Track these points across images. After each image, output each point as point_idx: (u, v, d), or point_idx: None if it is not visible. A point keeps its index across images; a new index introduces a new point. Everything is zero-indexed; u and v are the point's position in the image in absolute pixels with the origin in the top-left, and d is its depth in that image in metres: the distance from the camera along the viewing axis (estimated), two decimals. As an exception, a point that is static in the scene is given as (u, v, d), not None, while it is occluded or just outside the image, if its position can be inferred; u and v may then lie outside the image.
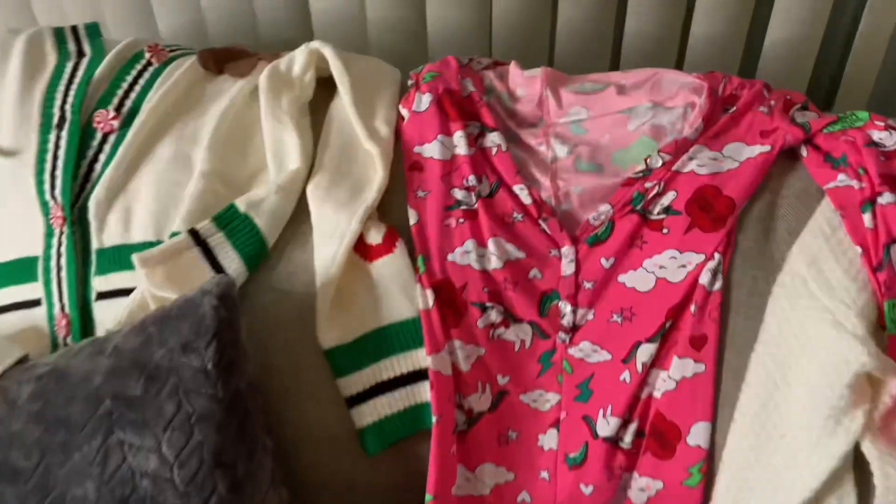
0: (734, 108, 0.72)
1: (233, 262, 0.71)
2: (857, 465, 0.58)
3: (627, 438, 0.68)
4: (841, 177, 0.64)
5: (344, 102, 0.78)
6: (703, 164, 0.69)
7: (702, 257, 0.66)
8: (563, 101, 0.78)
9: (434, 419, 0.67)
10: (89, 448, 0.59)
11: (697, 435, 0.66)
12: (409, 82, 0.81)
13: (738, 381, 0.64)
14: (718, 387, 0.66)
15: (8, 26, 1.12)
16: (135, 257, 0.68)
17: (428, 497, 0.66)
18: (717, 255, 0.66)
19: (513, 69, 0.81)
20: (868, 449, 0.56)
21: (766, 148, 0.68)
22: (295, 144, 0.75)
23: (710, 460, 0.65)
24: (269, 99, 0.78)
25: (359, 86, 0.79)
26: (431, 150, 0.74)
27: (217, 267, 0.71)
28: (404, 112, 0.78)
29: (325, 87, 0.82)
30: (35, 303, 0.77)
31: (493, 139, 0.74)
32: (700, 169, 0.69)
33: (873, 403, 0.58)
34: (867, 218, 0.61)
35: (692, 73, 0.75)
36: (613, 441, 0.67)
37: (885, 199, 0.61)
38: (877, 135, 0.65)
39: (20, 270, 0.77)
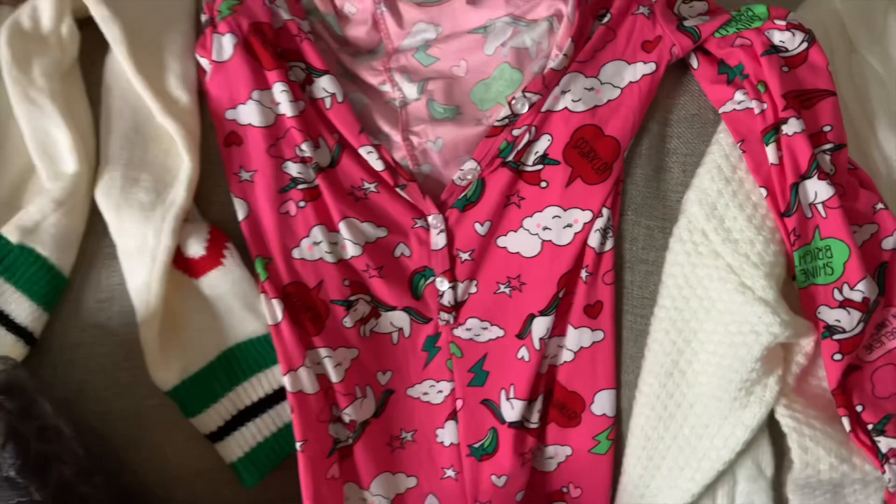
0: (609, 14, 0.57)
1: (22, 308, 0.56)
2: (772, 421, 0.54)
3: (534, 418, 0.61)
4: (738, 95, 0.54)
5: (121, 62, 0.59)
6: (578, 97, 0.56)
7: (588, 215, 0.56)
8: (404, 17, 0.61)
9: (298, 446, 0.58)
10: None
11: (602, 403, 0.60)
12: (203, 18, 0.62)
13: (641, 345, 0.58)
14: (620, 352, 0.59)
15: None
16: None
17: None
18: (605, 211, 0.56)
19: (335, -20, 0.62)
20: (783, 417, 0.52)
21: (651, 67, 0.56)
22: (65, 137, 0.57)
23: (618, 426, 0.60)
24: (15, 75, 0.58)
25: (137, 32, 0.60)
26: (248, 113, 0.58)
27: (3, 317, 0.56)
28: (204, 63, 0.60)
29: (93, 28, 0.61)
30: None
31: (325, 86, 0.59)
32: (576, 105, 0.56)
33: (786, 365, 0.52)
34: (771, 151, 0.51)
35: (556, -32, 0.59)
36: (521, 425, 0.61)
37: (790, 127, 0.51)
38: (777, 37, 0.53)
39: None
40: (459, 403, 0.62)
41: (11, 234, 0.56)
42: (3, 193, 0.59)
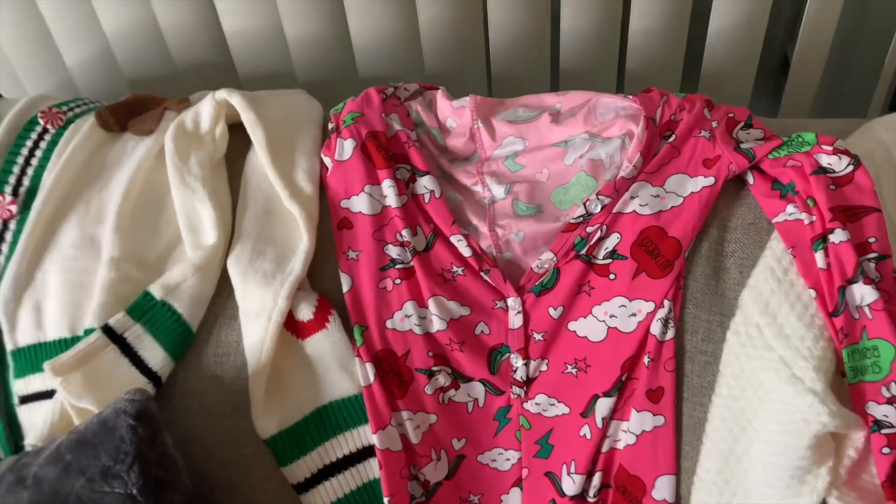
0: (673, 135, 0.66)
1: (155, 355, 0.66)
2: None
3: (592, 493, 0.65)
4: (790, 208, 0.60)
5: (260, 157, 0.72)
6: (645, 202, 0.64)
7: (651, 306, 0.63)
8: (497, 131, 0.72)
9: (386, 501, 0.64)
10: (18, 591, 0.55)
11: (662, 488, 0.63)
12: (330, 126, 0.75)
13: (700, 432, 0.62)
14: (680, 438, 0.63)
15: None
16: (47, 365, 0.63)
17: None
18: (667, 303, 0.62)
19: (440, 99, 0.74)
20: (835, 507, 0.54)
21: (710, 181, 0.64)
22: (209, 215, 0.69)
23: (677, 512, 0.63)
24: (176, 163, 0.72)
25: (275, 135, 0.73)
26: (359, 203, 0.69)
27: (139, 361, 0.66)
28: (327, 161, 0.72)
29: (241, 131, 0.75)
30: (-47, 411, 0.71)
31: (426, 184, 0.69)
32: (643, 209, 0.64)
33: (838, 458, 0.55)
34: (819, 257, 0.57)
35: (629, 96, 0.69)
36: (580, 497, 0.65)
37: (836, 236, 0.57)
38: (825, 160, 0.60)
39: (-68, 378, 0.71)
40: (525, 472, 0.67)
41: (157, 291, 0.67)
42: (153, 257, 0.70)
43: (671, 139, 0.66)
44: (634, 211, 0.64)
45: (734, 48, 0.89)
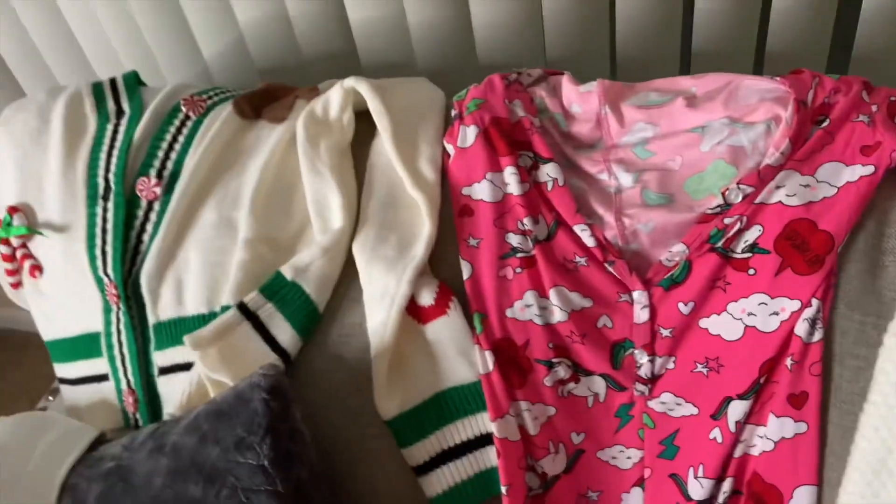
0: (827, 120, 0.61)
1: (285, 333, 0.68)
2: None
3: (722, 499, 0.62)
4: (965, 201, 0.54)
5: (385, 144, 0.73)
6: (793, 192, 0.59)
7: (797, 304, 0.58)
8: (625, 117, 0.69)
9: (503, 490, 0.63)
10: (159, 549, 0.59)
11: (802, 500, 0.59)
12: (453, 112, 0.74)
13: (847, 442, 0.57)
14: (824, 447, 0.58)
15: (64, 74, 1.13)
16: (187, 339, 0.67)
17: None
18: (815, 302, 0.58)
19: (566, 84, 0.72)
20: None
21: (869, 169, 0.58)
22: (337, 201, 0.71)
23: (817, 527, 0.59)
24: (307, 150, 0.74)
25: (400, 122, 0.74)
26: (481, 190, 0.68)
27: (270, 338, 0.68)
28: (449, 148, 0.72)
29: (366, 118, 0.77)
30: (104, 377, 0.77)
31: (549, 172, 0.67)
32: (790, 199, 0.59)
33: None
34: None
35: (776, 78, 0.64)
36: (707, 503, 0.62)
37: None
38: None
39: (86, 345, 0.77)
40: (647, 472, 0.64)
41: (287, 272, 0.69)
42: (286, 238, 0.73)
43: (825, 124, 0.61)
44: (780, 202, 0.60)
45: (889, 25, 0.81)
